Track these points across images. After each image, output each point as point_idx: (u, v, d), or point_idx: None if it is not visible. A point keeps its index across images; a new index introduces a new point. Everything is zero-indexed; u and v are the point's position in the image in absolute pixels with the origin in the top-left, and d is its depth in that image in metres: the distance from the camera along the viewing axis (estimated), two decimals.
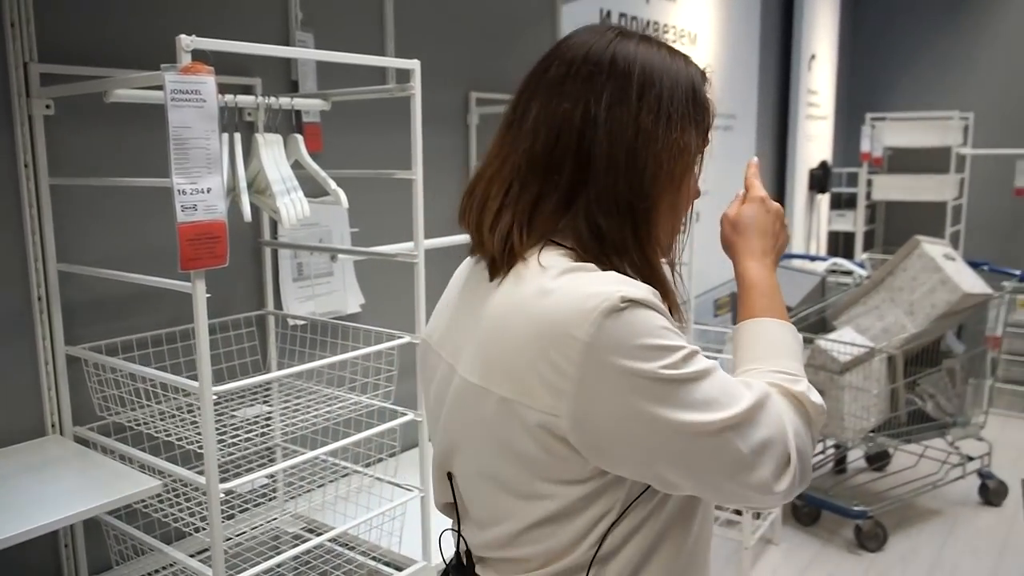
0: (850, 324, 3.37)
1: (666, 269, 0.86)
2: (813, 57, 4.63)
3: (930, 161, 5.22)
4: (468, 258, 0.94)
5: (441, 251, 2.40)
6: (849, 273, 3.77)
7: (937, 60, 5.21)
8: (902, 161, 5.37)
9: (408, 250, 1.64)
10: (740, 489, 0.77)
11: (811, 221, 4.81)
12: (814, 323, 3.50)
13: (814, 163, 4.77)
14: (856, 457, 3.70)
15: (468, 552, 0.90)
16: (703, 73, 0.88)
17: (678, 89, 0.83)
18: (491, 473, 0.83)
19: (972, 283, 3.25)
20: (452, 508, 0.92)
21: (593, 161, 0.80)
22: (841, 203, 5.59)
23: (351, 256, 2.06)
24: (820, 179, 4.75)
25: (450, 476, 0.89)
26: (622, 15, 3.12)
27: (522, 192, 0.82)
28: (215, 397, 1.26)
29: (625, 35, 0.84)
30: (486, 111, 2.48)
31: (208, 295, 1.24)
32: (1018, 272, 3.45)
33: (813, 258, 4.18)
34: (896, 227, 5.52)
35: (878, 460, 3.68)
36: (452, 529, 0.93)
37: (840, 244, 5.65)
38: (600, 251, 0.81)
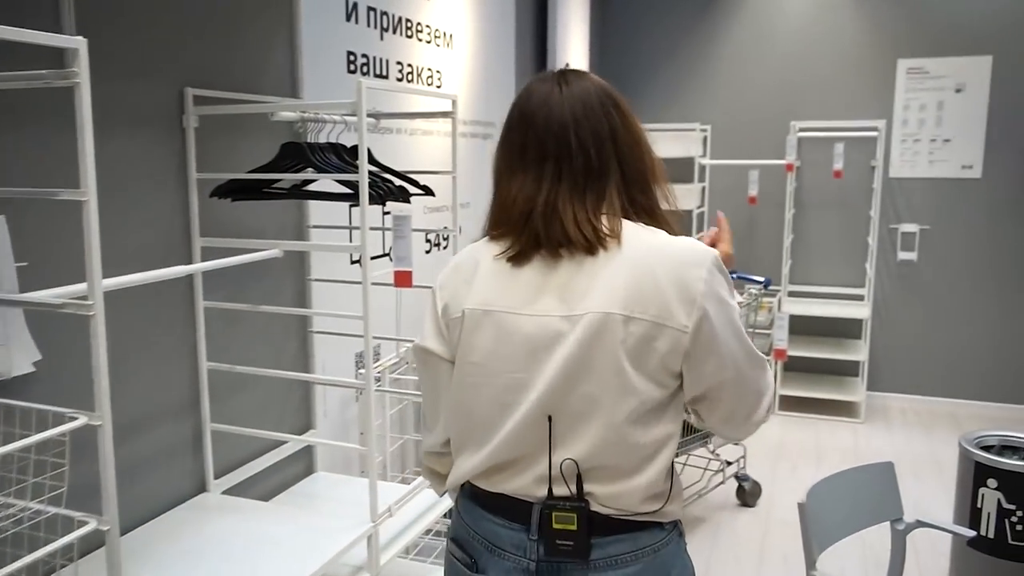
0: None
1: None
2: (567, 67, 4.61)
3: (677, 171, 5.43)
4: (492, 255, 1.17)
5: (153, 288, 1.93)
6: None
7: (680, 74, 5.45)
8: None
9: (77, 295, 1.19)
10: (757, 385, 1.16)
11: None
12: None
13: None
14: None
15: (579, 478, 1.10)
16: None
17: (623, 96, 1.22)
18: (615, 390, 1.08)
19: None
20: (537, 451, 1.12)
21: (623, 161, 1.15)
22: None
23: None
24: None
25: (550, 420, 1.10)
26: (371, 8, 2.79)
27: (587, 193, 1.13)
28: None
29: (589, 75, 1.20)
30: (208, 112, 2.04)
31: None
32: (762, 279, 3.59)
33: None
34: None
35: None
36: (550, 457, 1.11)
37: None
38: (637, 215, 1.17)
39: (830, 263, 5.29)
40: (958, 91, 4.90)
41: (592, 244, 1.09)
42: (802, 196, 5.29)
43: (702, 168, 5.42)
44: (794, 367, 5.36)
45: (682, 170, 5.45)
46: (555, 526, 1.09)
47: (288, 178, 2.15)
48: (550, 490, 1.10)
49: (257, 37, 2.26)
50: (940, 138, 4.97)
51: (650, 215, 1.17)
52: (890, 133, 5.04)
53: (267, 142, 2.28)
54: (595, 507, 1.10)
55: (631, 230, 1.12)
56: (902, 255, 5.10)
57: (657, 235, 1.13)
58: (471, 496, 1.18)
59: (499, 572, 1.13)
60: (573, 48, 4.69)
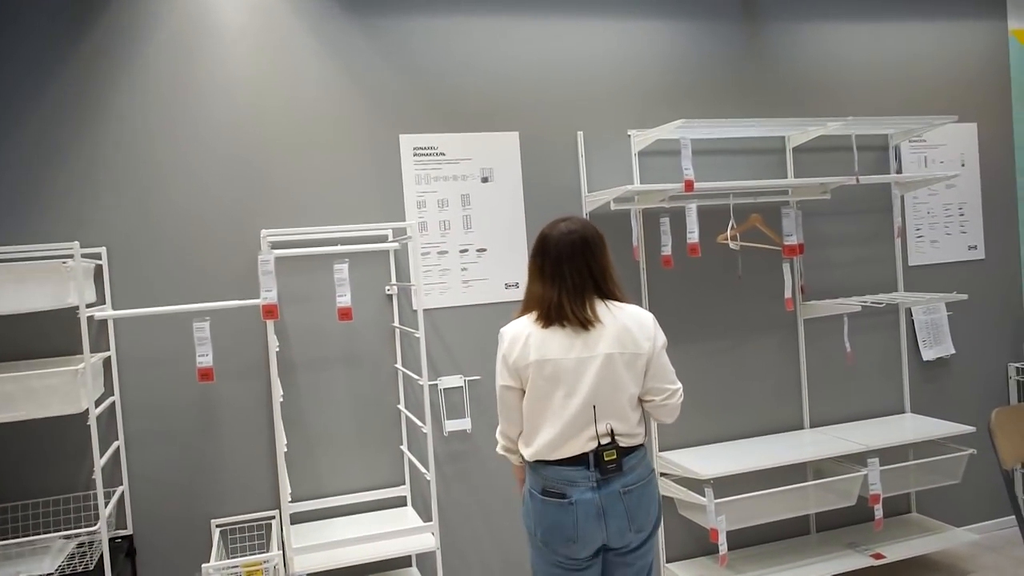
0: None
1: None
2: None
3: (49, 340, 2.85)
4: (534, 326, 2.22)
5: None
6: None
7: (39, 162, 2.93)
8: None
9: None
10: (670, 384, 2.24)
11: None
12: None
13: None
14: None
15: (612, 433, 2.15)
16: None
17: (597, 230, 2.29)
18: (622, 387, 2.16)
19: None
20: (585, 426, 2.16)
21: (594, 277, 2.22)
22: None
23: None
24: None
25: (594, 407, 2.15)
26: None
27: (576, 296, 2.19)
28: None
29: (578, 224, 2.26)
30: None
31: None
32: None
33: None
34: None
35: None
36: (596, 433, 2.16)
37: None
38: (604, 297, 2.24)
39: (351, 459, 3.25)
40: (485, 180, 3.41)
41: (584, 324, 2.17)
42: (291, 355, 3.19)
43: (102, 327, 2.95)
44: None
45: (57, 337, 2.90)
46: (605, 458, 2.13)
47: None
48: (599, 442, 2.14)
49: None
50: (473, 247, 3.40)
51: (610, 296, 2.24)
52: (408, 244, 3.29)
53: None
54: (621, 444, 2.16)
55: (607, 309, 2.21)
56: (450, 425, 3.34)
57: (622, 308, 2.23)
58: (543, 464, 2.18)
59: (577, 493, 2.12)
60: None
